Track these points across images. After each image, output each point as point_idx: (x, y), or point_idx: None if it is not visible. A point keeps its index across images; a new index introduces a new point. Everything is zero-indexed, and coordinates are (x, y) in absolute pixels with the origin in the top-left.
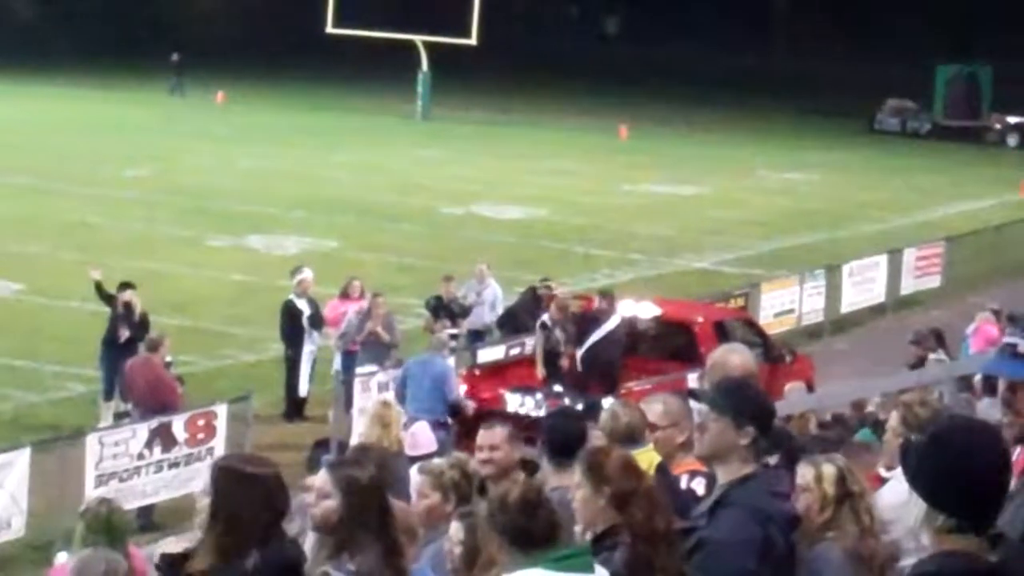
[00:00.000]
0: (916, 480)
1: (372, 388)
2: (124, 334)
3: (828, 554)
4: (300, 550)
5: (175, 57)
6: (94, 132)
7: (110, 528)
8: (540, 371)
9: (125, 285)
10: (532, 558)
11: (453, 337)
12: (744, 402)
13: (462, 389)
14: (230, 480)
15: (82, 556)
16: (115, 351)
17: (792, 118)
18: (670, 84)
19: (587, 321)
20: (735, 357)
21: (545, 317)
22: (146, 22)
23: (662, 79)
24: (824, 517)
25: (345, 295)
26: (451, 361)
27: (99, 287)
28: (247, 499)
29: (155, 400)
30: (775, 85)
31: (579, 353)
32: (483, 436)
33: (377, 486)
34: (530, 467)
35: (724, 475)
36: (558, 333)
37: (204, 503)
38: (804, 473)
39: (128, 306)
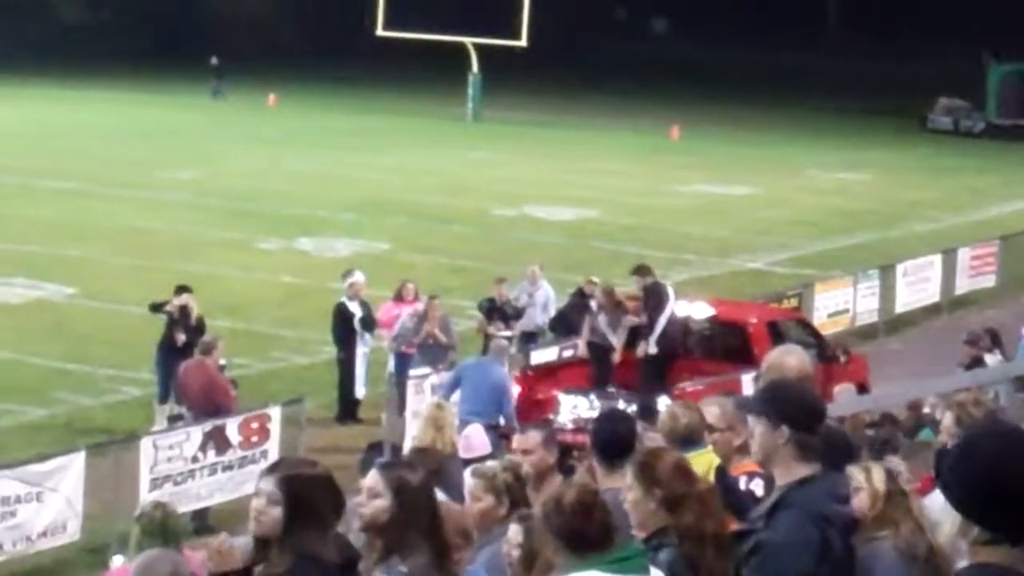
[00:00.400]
0: (947, 490)
1: (425, 390)
2: (180, 338)
3: (880, 553)
4: (355, 548)
5: (214, 61)
6: (144, 136)
7: (165, 532)
8: (581, 349)
9: (181, 289)
10: (587, 560)
11: (506, 340)
12: (777, 402)
13: (515, 391)
14: (304, 484)
15: (148, 556)
16: (171, 355)
17: (844, 117)
18: (721, 84)
19: (650, 308)
20: (791, 358)
21: (592, 303)
22: (194, 25)
23: (712, 79)
24: (875, 512)
25: (399, 297)
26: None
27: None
28: (320, 499)
29: (209, 403)
30: (827, 84)
31: (653, 339)
32: (518, 440)
33: (427, 488)
34: (567, 470)
35: (781, 477)
36: (602, 319)
37: (275, 512)
38: (854, 474)
39: (184, 310)
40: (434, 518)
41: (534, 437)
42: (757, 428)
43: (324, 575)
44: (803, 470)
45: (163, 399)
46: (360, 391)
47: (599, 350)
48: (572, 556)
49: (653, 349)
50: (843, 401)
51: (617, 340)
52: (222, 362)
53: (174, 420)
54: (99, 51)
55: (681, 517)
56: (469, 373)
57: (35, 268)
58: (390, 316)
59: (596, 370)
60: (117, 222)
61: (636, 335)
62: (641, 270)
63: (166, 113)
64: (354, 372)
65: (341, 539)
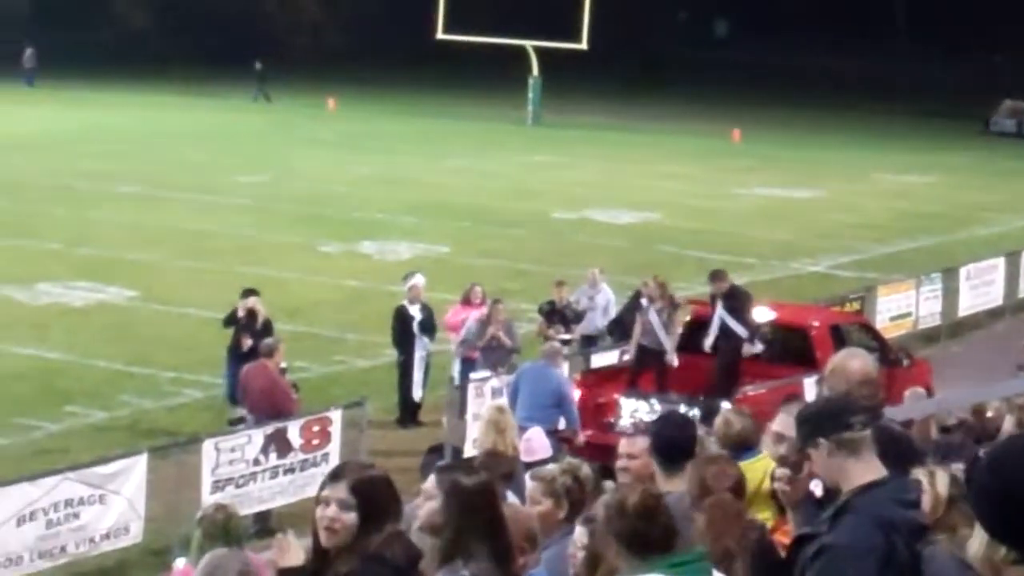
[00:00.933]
0: (976, 507)
1: (486, 393)
2: (247, 343)
3: (935, 555)
4: (417, 547)
5: (258, 66)
6: (206, 140)
7: (227, 534)
8: (632, 351)
9: (248, 291)
10: (649, 563)
11: (566, 343)
12: (799, 428)
13: (576, 394)
14: (374, 487)
15: (215, 555)
16: (239, 359)
17: (907, 120)
18: (782, 87)
19: (736, 309)
20: (855, 362)
21: (643, 300)
22: (256, 30)
23: (774, 82)
24: (935, 516)
25: (467, 301)
26: (565, 368)
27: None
28: (386, 500)
29: (270, 406)
30: (889, 87)
31: (756, 339)
32: (624, 444)
33: (485, 491)
34: None
35: (845, 485)
36: (655, 317)
37: (350, 519)
38: (918, 477)
39: (251, 313)
40: (492, 521)
41: (641, 443)
42: (815, 460)
43: (389, 575)
44: (864, 472)
45: (234, 401)
46: (417, 394)
47: (649, 355)
48: (634, 559)
49: (758, 348)
50: (910, 405)
51: (670, 341)
52: (283, 365)
53: (236, 423)
54: (164, 56)
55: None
56: (526, 378)
57: (98, 271)
58: (457, 320)
59: (639, 375)
60: (180, 226)
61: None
62: (717, 276)
63: (228, 117)
64: (412, 375)
65: (403, 539)
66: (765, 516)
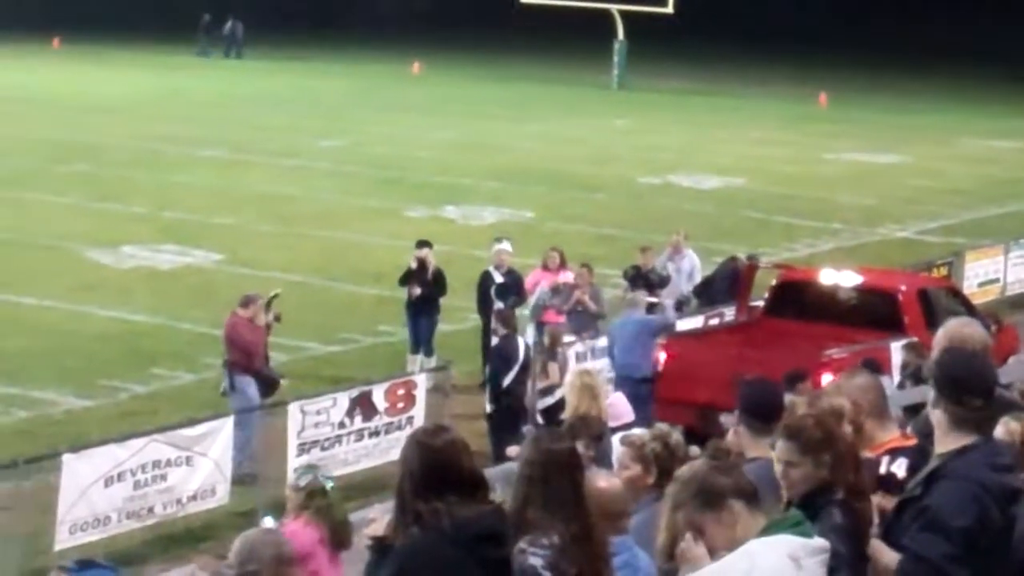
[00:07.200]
0: None
1: (570, 358)
2: (415, 291)
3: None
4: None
5: (206, 18)
6: (289, 104)
7: (324, 492)
8: None
9: (422, 243)
10: (776, 526)
11: (651, 307)
12: (934, 368)
13: (661, 358)
14: (460, 451)
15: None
16: (410, 307)
17: (996, 85)
18: (870, 51)
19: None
20: (970, 330)
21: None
22: None
23: (862, 46)
24: None
25: (545, 267)
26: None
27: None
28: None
29: (230, 352)
30: (979, 51)
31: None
32: None
33: (567, 460)
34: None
35: (939, 446)
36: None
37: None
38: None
39: (422, 263)
40: (575, 490)
41: None
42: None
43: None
44: (958, 440)
45: (413, 349)
46: None
47: None
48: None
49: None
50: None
51: None
52: (267, 320)
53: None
54: (246, 21)
55: (843, 474)
56: (614, 333)
57: (184, 235)
58: (531, 284)
59: None
60: (264, 190)
61: None
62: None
63: (312, 82)
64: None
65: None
66: None
